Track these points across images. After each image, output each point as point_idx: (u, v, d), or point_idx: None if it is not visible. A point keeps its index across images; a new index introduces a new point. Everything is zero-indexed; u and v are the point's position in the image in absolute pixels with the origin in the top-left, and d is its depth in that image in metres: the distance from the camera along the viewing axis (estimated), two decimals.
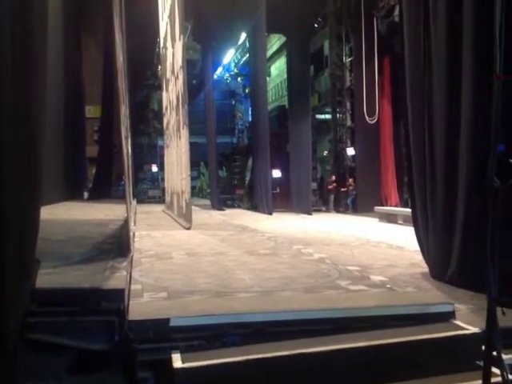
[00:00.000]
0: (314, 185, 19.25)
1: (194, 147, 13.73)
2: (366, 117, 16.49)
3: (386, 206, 15.66)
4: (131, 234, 6.88)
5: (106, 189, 21.71)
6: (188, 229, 9.70)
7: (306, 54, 17.60)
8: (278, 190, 18.45)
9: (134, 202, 16.64)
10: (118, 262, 4.49)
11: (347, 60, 18.10)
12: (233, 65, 30.32)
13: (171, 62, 13.34)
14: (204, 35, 20.15)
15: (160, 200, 22.32)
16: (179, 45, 11.02)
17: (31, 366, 3.10)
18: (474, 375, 2.95)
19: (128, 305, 3.49)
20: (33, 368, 3.10)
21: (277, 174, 18.92)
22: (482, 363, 2.70)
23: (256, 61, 18.23)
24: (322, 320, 3.42)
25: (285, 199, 18.37)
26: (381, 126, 16.86)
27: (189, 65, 14.62)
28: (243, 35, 22.15)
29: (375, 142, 17.08)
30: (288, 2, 15.86)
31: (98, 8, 18.93)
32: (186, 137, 10.41)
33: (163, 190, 20.68)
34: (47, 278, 3.67)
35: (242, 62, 28.77)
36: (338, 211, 17.40)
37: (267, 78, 21.62)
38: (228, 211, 17.67)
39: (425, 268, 5.19)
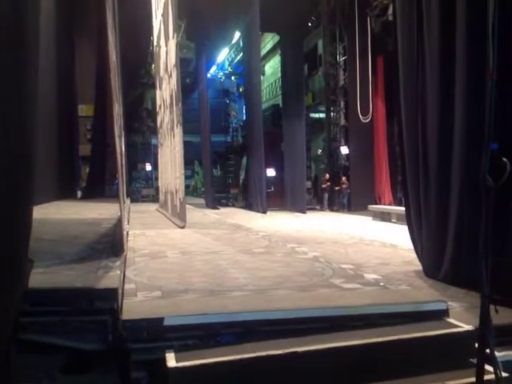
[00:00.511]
0: (308, 183, 19.27)
1: (188, 146, 13.72)
2: (360, 115, 16.54)
3: (380, 204, 15.72)
4: (125, 233, 6.85)
5: (99, 188, 21.59)
6: (182, 228, 9.68)
7: (299, 52, 17.62)
8: (273, 189, 18.45)
9: (128, 201, 16.58)
10: (112, 261, 4.47)
11: (341, 59, 18.12)
12: (227, 63, 30.29)
13: (165, 61, 13.29)
14: (198, 34, 20.12)
15: (154, 199, 22.26)
16: (173, 43, 10.99)
17: (24, 366, 3.08)
18: (467, 373, 2.96)
19: (121, 304, 3.48)
20: (26, 368, 3.08)
21: (271, 172, 18.92)
22: (475, 361, 2.70)
23: (250, 59, 18.21)
24: (316, 318, 3.42)
25: (279, 198, 18.39)
26: (374, 124, 16.92)
27: (182, 63, 14.62)
28: (237, 34, 22.12)
29: (369, 141, 17.14)
30: (282, 1, 15.86)
31: (91, 6, 18.85)
32: (180, 135, 10.39)
33: (157, 188, 20.62)
34: (40, 277, 3.65)
35: (236, 60, 28.75)
36: (332, 210, 17.43)
37: (261, 77, 21.59)
38: (222, 210, 17.66)
39: (418, 266, 5.21)
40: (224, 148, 27.46)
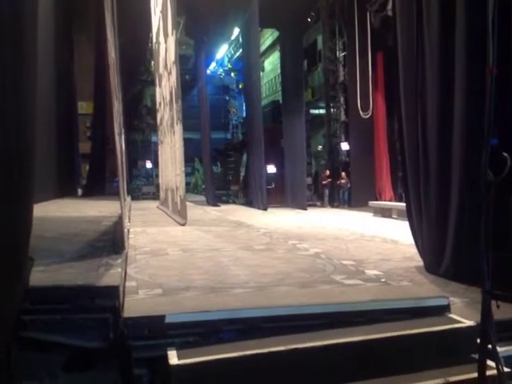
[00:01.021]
0: (309, 180, 19.25)
1: (188, 143, 13.69)
2: (360, 111, 16.51)
3: (381, 200, 15.71)
4: (125, 230, 6.85)
5: (99, 185, 21.59)
6: (183, 225, 9.68)
7: (299, 48, 17.56)
8: (273, 186, 18.42)
9: (129, 199, 16.58)
10: (113, 258, 4.47)
11: (341, 54, 18.07)
12: (226, 60, 30.24)
13: (164, 58, 13.26)
14: (197, 30, 20.06)
15: (154, 196, 22.25)
16: (172, 40, 10.96)
17: (26, 364, 3.08)
18: (469, 368, 2.96)
19: (123, 302, 3.48)
20: (27, 366, 3.08)
21: (271, 169, 18.90)
22: (477, 356, 2.71)
23: (249, 56, 18.17)
24: (318, 315, 3.43)
25: (279, 194, 18.37)
26: (375, 120, 16.89)
27: (182, 60, 14.58)
28: (236, 30, 22.08)
29: (369, 137, 17.11)
30: None
31: (90, 3, 18.81)
32: (180, 132, 10.38)
33: (157, 186, 20.61)
34: (41, 275, 3.65)
35: (235, 56, 28.70)
36: (332, 206, 17.43)
37: (261, 73, 21.56)
38: (223, 207, 17.66)
39: (419, 262, 5.21)
40: (224, 145, 27.42)
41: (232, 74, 30.60)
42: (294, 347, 3.02)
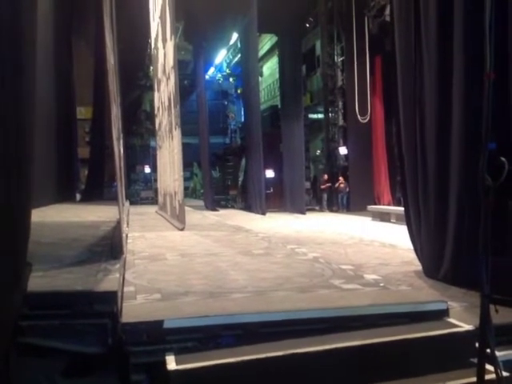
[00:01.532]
0: (308, 184, 19.26)
1: (186, 148, 13.72)
2: (358, 116, 16.54)
3: (379, 204, 15.71)
4: (124, 235, 6.84)
5: (98, 190, 21.59)
6: (181, 230, 9.67)
7: (297, 53, 17.62)
8: (272, 190, 18.44)
9: (127, 204, 16.57)
10: (111, 264, 4.46)
11: (339, 59, 18.13)
12: (225, 65, 30.30)
13: (163, 63, 13.30)
14: (195, 35, 20.12)
15: (153, 201, 22.24)
16: (170, 45, 11.00)
17: (24, 370, 3.07)
18: (468, 372, 2.96)
19: (121, 307, 3.47)
20: (26, 372, 3.07)
21: (270, 173, 18.91)
22: (475, 360, 2.70)
23: (248, 61, 18.22)
24: (316, 319, 3.42)
25: (278, 199, 18.37)
26: (373, 125, 16.93)
27: (180, 65, 14.62)
28: (235, 35, 22.12)
29: (368, 141, 17.15)
30: (279, 2, 15.86)
31: (89, 9, 18.86)
32: (179, 137, 10.39)
33: (156, 191, 20.60)
34: (39, 281, 3.64)
35: (233, 62, 28.75)
36: (331, 210, 17.43)
37: (259, 78, 21.60)
38: (221, 212, 17.65)
39: (418, 266, 5.21)
40: (223, 149, 27.43)
41: (230, 79, 30.65)
42: (293, 352, 3.01)
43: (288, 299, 3.88)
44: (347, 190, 17.25)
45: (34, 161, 3.69)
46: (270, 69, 27.04)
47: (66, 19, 19.94)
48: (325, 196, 17.99)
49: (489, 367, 2.59)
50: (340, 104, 18.12)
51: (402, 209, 5.86)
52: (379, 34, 15.49)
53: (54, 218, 10.61)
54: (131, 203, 20.53)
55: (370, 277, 4.83)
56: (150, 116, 23.69)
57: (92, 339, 3.17)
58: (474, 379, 2.60)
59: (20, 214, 3.21)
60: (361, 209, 14.87)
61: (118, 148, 8.11)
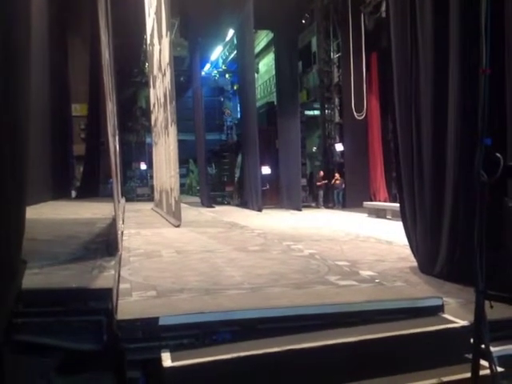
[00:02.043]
0: (304, 181, 19.25)
1: (182, 144, 13.67)
2: (355, 112, 16.55)
3: (375, 201, 15.74)
4: (119, 232, 6.82)
5: (93, 187, 21.50)
6: (177, 226, 9.66)
7: (293, 50, 17.59)
8: (268, 187, 18.42)
9: (123, 201, 16.52)
10: (106, 261, 4.45)
11: (335, 56, 18.12)
12: (221, 61, 30.18)
13: (158, 59, 13.24)
14: (191, 32, 20.05)
15: (149, 198, 22.18)
16: (166, 41, 10.95)
17: (18, 367, 3.06)
18: (462, 368, 2.97)
19: (116, 304, 3.46)
20: (20, 369, 3.06)
21: (266, 170, 18.90)
22: (470, 356, 2.71)
23: (244, 57, 18.17)
24: (312, 316, 3.42)
25: (274, 196, 18.37)
26: (369, 121, 16.94)
27: (176, 61, 14.55)
28: (231, 31, 22.05)
29: (364, 138, 17.16)
30: None
31: (84, 5, 18.73)
32: (175, 134, 10.36)
33: (152, 187, 20.56)
34: (34, 278, 3.62)
35: (229, 58, 28.64)
36: (327, 207, 17.45)
37: (255, 75, 21.54)
38: (218, 208, 17.64)
39: (413, 262, 5.22)
40: (219, 146, 27.39)
41: (227, 76, 30.53)
42: (289, 348, 3.01)
43: (284, 295, 3.88)
44: (343, 186, 17.25)
45: (28, 158, 3.67)
46: (267, 65, 26.98)
47: (61, 15, 19.80)
48: (321, 193, 17.99)
49: (483, 362, 2.60)
50: (336, 100, 18.12)
51: (398, 205, 5.86)
52: (375, 30, 15.50)
53: (49, 215, 10.56)
54: (127, 200, 20.48)
55: (365, 273, 4.84)
56: (146, 112, 23.57)
57: (87, 336, 3.17)
58: (469, 375, 2.62)
59: (15, 211, 3.19)
60: (357, 205, 14.89)
61: (114, 145, 8.08)
